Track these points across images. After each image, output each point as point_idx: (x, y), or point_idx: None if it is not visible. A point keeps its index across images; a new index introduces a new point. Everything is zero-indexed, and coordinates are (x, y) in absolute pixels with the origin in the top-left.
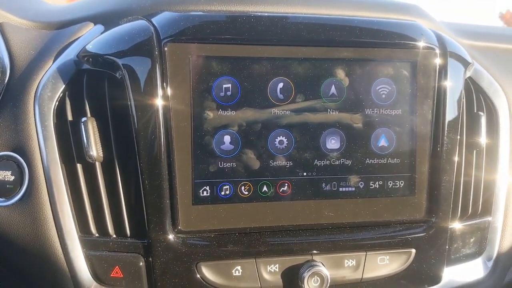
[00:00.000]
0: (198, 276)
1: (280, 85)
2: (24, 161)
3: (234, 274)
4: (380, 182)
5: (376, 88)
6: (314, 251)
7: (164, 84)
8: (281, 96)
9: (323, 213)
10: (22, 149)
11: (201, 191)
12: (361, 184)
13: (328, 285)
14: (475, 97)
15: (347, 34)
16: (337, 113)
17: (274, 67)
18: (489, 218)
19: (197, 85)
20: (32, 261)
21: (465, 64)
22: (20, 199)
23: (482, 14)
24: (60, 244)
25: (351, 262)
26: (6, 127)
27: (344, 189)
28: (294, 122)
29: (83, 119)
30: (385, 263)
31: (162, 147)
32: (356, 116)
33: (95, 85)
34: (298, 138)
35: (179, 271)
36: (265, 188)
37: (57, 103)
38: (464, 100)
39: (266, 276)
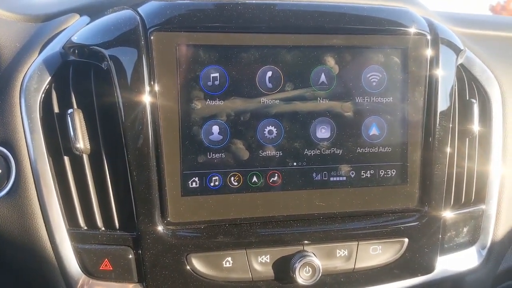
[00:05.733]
0: (188, 267)
1: (269, 73)
2: (11, 154)
3: (224, 265)
4: (372, 171)
5: (367, 76)
6: (306, 242)
7: (151, 74)
8: (270, 85)
9: (314, 203)
10: (9, 142)
11: (190, 182)
12: (352, 173)
13: (320, 275)
14: (467, 84)
15: (336, 21)
16: (327, 101)
17: (263, 55)
18: (483, 207)
19: (184, 75)
20: (20, 255)
21: (457, 50)
22: (8, 193)
23: (472, 7)
24: (49, 237)
25: (343, 252)
26: None
27: (335, 178)
28: (284, 111)
29: (70, 111)
30: (378, 253)
31: (150, 138)
32: (347, 105)
33: (81, 76)
34: (288, 127)
35: (169, 263)
36: (254, 179)
37: (43, 95)
38: (456, 87)
39: (257, 267)
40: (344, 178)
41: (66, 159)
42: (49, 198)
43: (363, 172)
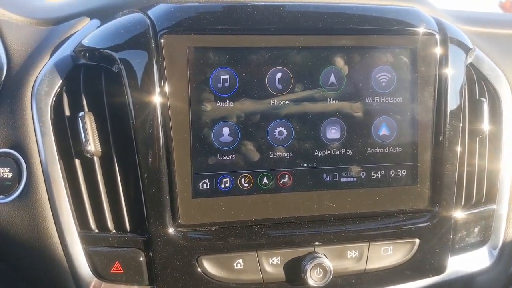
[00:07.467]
0: (199, 270)
1: (279, 75)
2: (22, 157)
3: (235, 267)
4: (382, 172)
5: (376, 76)
6: (317, 243)
7: (161, 76)
8: (279, 86)
9: (324, 204)
10: (20, 146)
11: (200, 184)
12: (363, 174)
13: (331, 276)
14: (477, 83)
15: (345, 22)
16: (337, 102)
17: (272, 56)
18: (494, 206)
19: (195, 77)
20: (32, 258)
21: (466, 50)
22: (19, 196)
23: (481, 4)
24: (60, 240)
25: (354, 253)
26: (3, 124)
27: (345, 179)
28: (294, 112)
29: (81, 114)
30: (389, 254)
31: (161, 140)
32: (357, 105)
33: (92, 79)
34: (298, 128)
35: (180, 265)
36: (265, 180)
37: (54, 98)
38: (466, 86)
39: (268, 268)
40: (355, 179)
41: (77, 161)
42: (60, 200)
43: (374, 173)
